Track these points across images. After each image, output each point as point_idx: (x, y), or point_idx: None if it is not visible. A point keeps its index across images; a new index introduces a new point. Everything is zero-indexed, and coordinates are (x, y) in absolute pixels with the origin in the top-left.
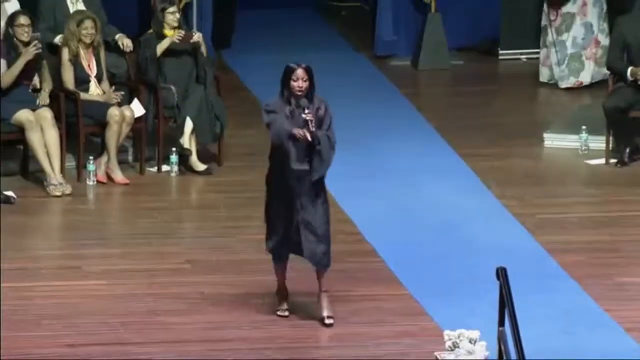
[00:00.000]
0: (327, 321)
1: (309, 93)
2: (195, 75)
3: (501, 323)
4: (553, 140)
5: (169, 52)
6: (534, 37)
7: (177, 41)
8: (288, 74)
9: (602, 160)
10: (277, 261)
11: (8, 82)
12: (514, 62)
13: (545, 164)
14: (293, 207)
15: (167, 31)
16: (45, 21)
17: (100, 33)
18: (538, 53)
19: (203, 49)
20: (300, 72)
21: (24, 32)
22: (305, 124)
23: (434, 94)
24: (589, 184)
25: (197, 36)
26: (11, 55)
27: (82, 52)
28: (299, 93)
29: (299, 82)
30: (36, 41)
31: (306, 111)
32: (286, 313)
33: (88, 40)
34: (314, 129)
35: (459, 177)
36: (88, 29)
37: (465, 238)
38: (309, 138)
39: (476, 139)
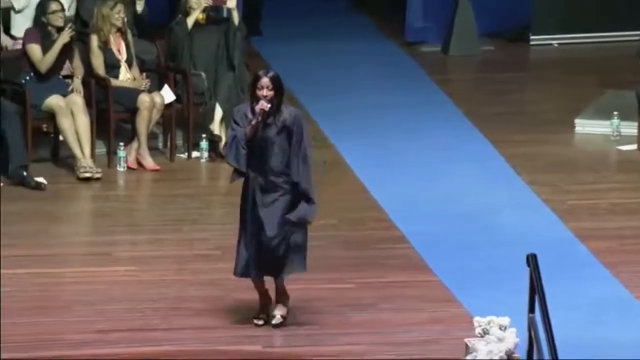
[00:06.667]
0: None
1: (274, 102)
2: (225, 59)
3: (531, 310)
4: (584, 127)
5: (199, 33)
6: (565, 22)
7: (207, 4)
8: (254, 82)
9: (634, 146)
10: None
11: (46, 68)
12: (545, 48)
13: (576, 150)
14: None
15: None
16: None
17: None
18: (570, 38)
19: (235, 15)
20: (264, 80)
21: (58, 17)
22: (258, 114)
23: (465, 80)
24: (621, 170)
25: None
26: (45, 44)
27: (111, 37)
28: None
29: (264, 91)
30: (71, 23)
31: (262, 103)
32: (261, 322)
33: (120, 24)
34: (258, 119)
35: (489, 164)
36: (121, 12)
37: (496, 225)
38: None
39: (507, 126)
